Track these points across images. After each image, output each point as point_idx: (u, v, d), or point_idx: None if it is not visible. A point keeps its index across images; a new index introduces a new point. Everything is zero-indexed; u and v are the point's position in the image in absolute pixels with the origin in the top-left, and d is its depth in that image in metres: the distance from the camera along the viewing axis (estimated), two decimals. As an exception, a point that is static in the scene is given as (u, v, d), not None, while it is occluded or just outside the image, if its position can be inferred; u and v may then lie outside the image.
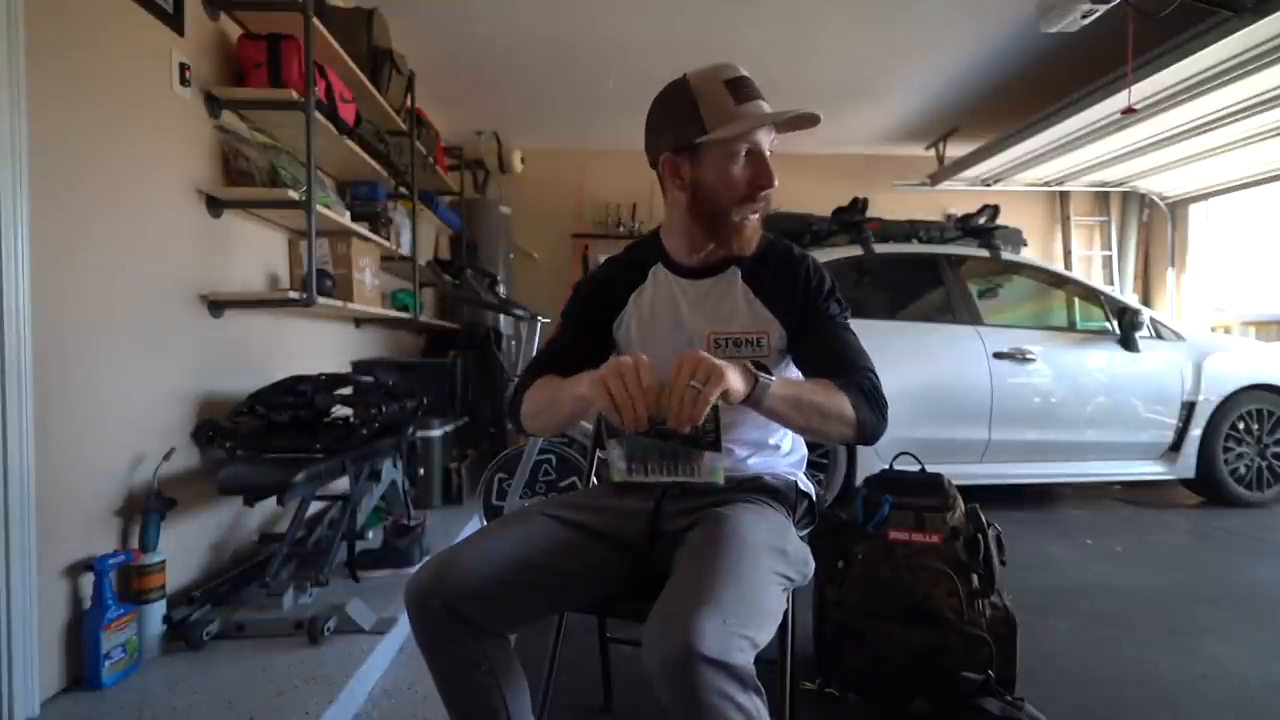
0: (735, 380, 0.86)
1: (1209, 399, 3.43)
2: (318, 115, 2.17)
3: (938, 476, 1.73)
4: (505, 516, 1.07)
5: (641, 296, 1.17)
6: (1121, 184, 5.44)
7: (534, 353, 1.24)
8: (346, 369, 3.08)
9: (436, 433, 3.15)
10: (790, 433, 1.19)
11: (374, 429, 2.12)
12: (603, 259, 1.28)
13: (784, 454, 1.19)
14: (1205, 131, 3.98)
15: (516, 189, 5.25)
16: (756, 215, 1.09)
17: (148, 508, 1.67)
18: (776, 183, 1.06)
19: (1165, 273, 5.78)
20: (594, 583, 1.06)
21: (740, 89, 1.03)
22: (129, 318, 1.72)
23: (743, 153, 1.04)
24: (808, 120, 1.04)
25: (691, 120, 1.03)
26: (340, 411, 2.16)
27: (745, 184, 1.06)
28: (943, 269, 3.50)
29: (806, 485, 1.20)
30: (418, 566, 0.95)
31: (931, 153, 5.40)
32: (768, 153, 1.06)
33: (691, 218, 1.10)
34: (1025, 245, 4.50)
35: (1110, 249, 5.95)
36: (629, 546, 1.09)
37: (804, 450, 1.25)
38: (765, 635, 0.82)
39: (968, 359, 3.30)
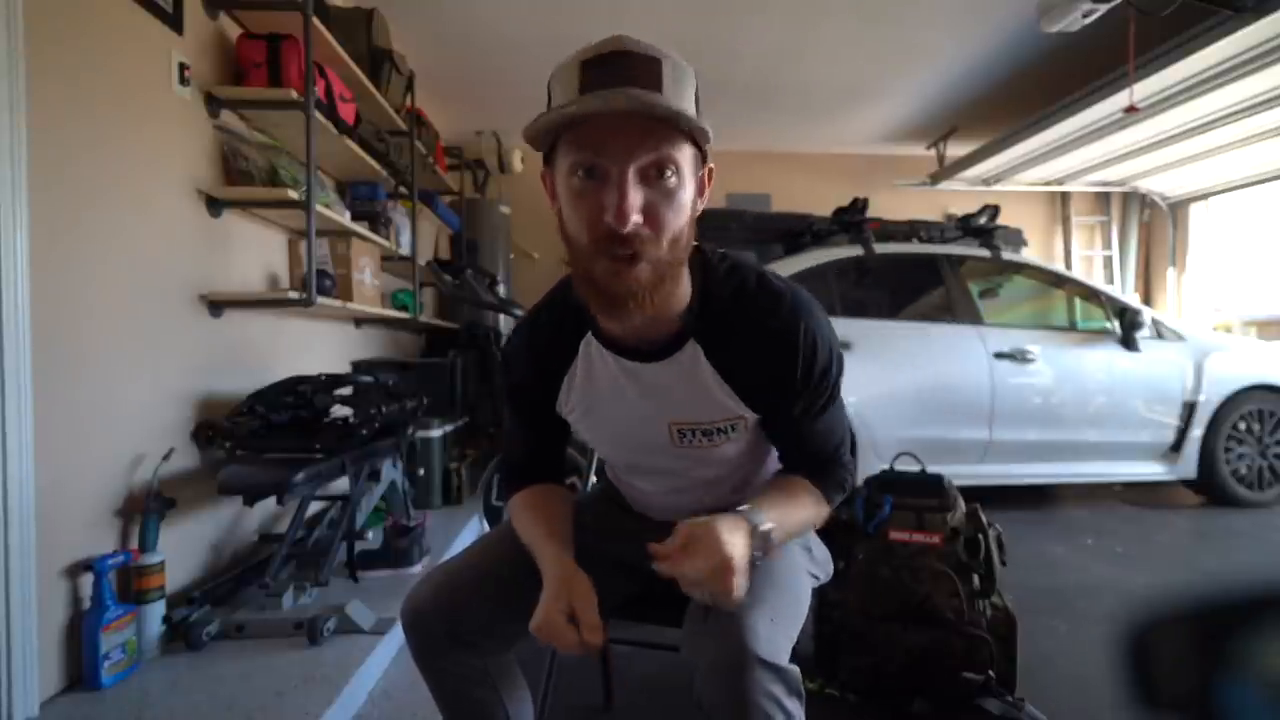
0: (743, 580, 0.73)
1: (1210, 399, 3.43)
2: (317, 115, 2.16)
3: (938, 477, 1.73)
4: (503, 530, 0.99)
5: (573, 380, 0.90)
6: (1122, 184, 5.44)
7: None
8: (346, 369, 3.08)
9: (436, 433, 3.15)
10: (758, 463, 1.01)
11: (374, 429, 2.12)
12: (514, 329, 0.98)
13: (760, 479, 1.04)
14: (1206, 131, 3.98)
15: (516, 189, 5.25)
16: (642, 267, 0.72)
17: (147, 508, 1.67)
18: (631, 222, 0.69)
19: (1166, 272, 5.78)
20: (604, 602, 1.03)
21: (594, 70, 0.70)
22: (128, 318, 1.71)
23: (581, 170, 0.71)
24: (654, 111, 0.68)
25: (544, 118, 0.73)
26: (340, 411, 2.16)
27: (587, 217, 0.72)
28: (943, 269, 3.50)
29: None
30: (414, 583, 0.92)
31: (932, 152, 5.40)
32: (630, 172, 0.70)
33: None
34: (1025, 245, 4.51)
35: (1111, 249, 5.95)
36: (630, 564, 1.04)
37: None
38: (797, 634, 0.82)
39: (968, 359, 3.30)
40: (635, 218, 0.70)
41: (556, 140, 0.75)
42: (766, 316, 0.82)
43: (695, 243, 0.82)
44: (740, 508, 0.80)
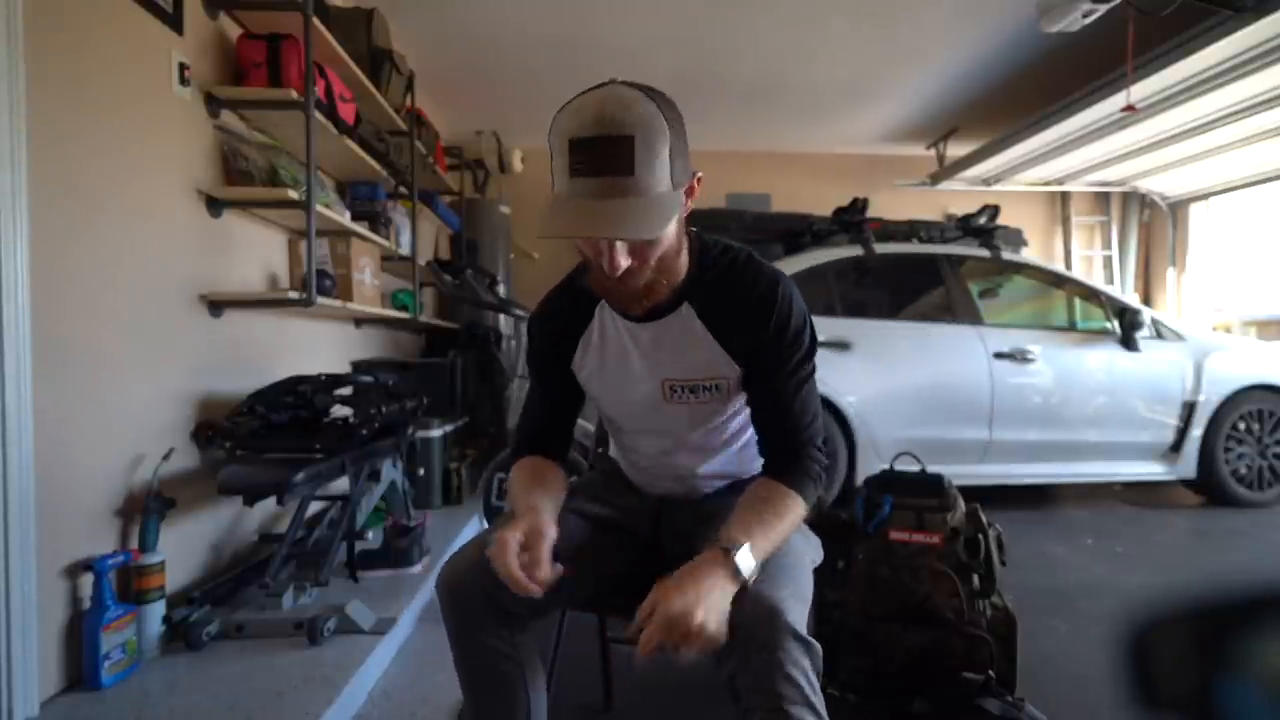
0: (717, 623, 0.78)
1: (1210, 399, 3.43)
2: (317, 115, 2.16)
3: (938, 477, 1.73)
4: None
5: (589, 340, 1.04)
6: (1122, 184, 5.44)
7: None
8: (346, 369, 3.08)
9: (436, 433, 3.15)
10: (743, 437, 1.10)
11: (374, 429, 2.12)
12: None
13: (746, 453, 1.12)
14: (1205, 131, 3.98)
15: (516, 189, 5.25)
16: (635, 287, 0.89)
17: (147, 508, 1.67)
18: (621, 267, 0.85)
19: (1166, 272, 5.78)
20: (608, 571, 1.09)
21: (578, 155, 0.81)
22: (129, 318, 1.71)
23: None
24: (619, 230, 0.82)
25: (551, 155, 0.87)
26: (340, 411, 2.16)
27: (591, 252, 0.88)
28: (943, 269, 3.50)
29: None
30: (451, 557, 0.97)
31: (932, 152, 5.40)
32: (614, 239, 0.84)
33: None
34: (1025, 245, 4.51)
35: (1111, 249, 5.95)
36: (635, 536, 1.13)
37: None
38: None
39: (968, 359, 3.30)
40: (623, 265, 0.85)
41: None
42: (750, 284, 0.96)
43: (693, 229, 0.99)
44: (724, 544, 0.84)
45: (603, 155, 0.80)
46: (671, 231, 0.88)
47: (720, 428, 1.06)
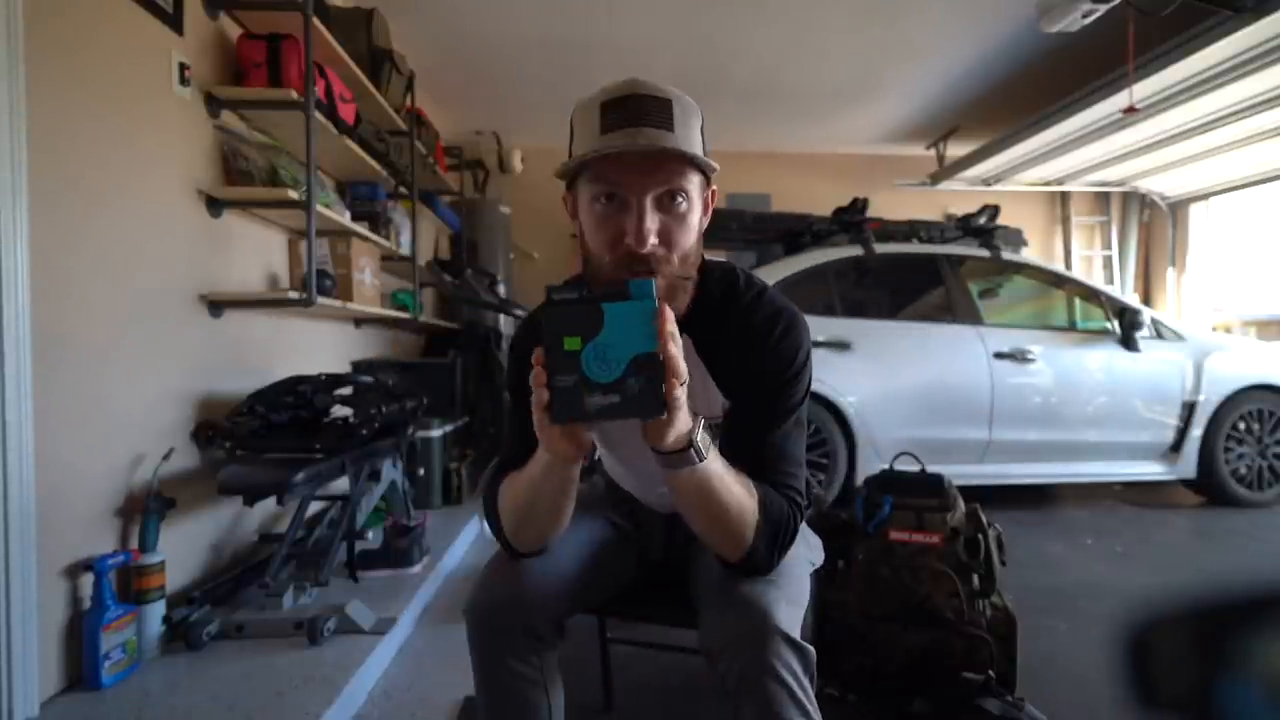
0: (681, 430, 0.71)
1: (1210, 399, 3.43)
2: (317, 115, 2.16)
3: (938, 477, 1.73)
4: None
5: None
6: (1122, 184, 5.44)
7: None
8: (346, 369, 3.08)
9: (436, 433, 3.15)
10: None
11: (374, 429, 2.12)
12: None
13: None
14: (1206, 131, 3.98)
15: (516, 189, 5.25)
16: (658, 282, 0.75)
17: (147, 508, 1.67)
18: (649, 244, 0.78)
19: (1165, 272, 5.78)
20: (619, 581, 1.09)
21: (613, 112, 0.78)
22: (129, 318, 1.72)
23: (603, 197, 0.80)
24: (673, 156, 0.78)
25: (570, 150, 0.83)
26: (340, 411, 2.16)
27: (608, 239, 0.81)
28: (943, 269, 3.50)
29: None
30: (479, 581, 0.92)
31: (932, 152, 5.40)
32: (647, 201, 0.78)
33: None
34: (1025, 245, 4.50)
35: (1111, 249, 5.95)
36: (645, 549, 1.13)
37: None
38: (803, 615, 0.87)
39: (968, 359, 3.30)
40: (652, 239, 0.80)
41: (579, 171, 0.84)
42: (751, 311, 0.90)
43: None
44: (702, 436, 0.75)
45: (639, 109, 0.78)
46: (695, 224, 0.84)
47: None
